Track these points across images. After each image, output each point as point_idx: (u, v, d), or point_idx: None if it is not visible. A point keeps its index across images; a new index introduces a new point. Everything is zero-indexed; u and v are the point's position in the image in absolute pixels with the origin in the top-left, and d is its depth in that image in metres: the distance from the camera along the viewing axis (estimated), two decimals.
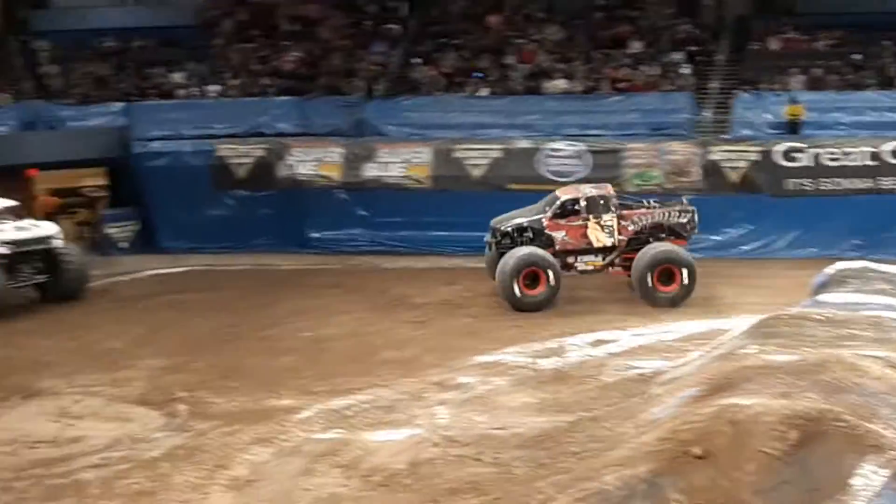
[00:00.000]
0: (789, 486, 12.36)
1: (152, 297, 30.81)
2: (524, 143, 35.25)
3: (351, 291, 30.22)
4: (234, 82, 41.27)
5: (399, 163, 35.82)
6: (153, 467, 17.80)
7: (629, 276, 28.34)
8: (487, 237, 29.10)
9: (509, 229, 28.45)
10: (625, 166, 34.32)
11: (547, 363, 22.58)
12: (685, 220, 28.98)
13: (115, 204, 39.33)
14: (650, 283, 27.49)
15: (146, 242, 37.56)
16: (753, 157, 33.91)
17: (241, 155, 37.24)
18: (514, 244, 28.11)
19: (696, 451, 13.98)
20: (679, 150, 34.26)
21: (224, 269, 33.98)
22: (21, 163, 37.18)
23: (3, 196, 31.77)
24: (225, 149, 37.42)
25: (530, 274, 27.32)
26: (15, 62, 42.84)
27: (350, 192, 35.89)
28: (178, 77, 41.86)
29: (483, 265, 30.07)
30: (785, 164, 33.72)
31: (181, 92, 41.20)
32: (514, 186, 34.52)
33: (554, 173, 34.46)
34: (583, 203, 28.45)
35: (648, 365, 21.59)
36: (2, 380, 23.00)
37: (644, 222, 28.76)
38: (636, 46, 39.20)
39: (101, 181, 40.38)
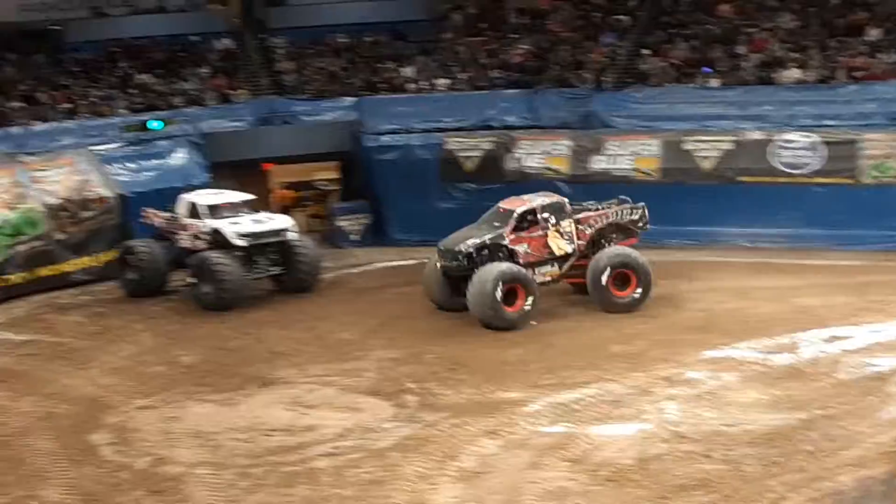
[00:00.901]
0: None
1: (383, 289, 31.31)
2: (756, 135, 34.44)
3: None
4: (463, 76, 41.58)
5: (627, 155, 35.51)
6: (383, 457, 18.16)
7: (582, 282, 27.58)
8: (438, 261, 27.62)
9: (472, 250, 26.74)
10: (861, 157, 33.21)
11: (779, 359, 22.21)
12: (637, 217, 28.48)
13: (347, 197, 40.09)
14: (606, 288, 26.87)
15: (377, 235, 38.15)
16: None
17: (470, 148, 37.51)
18: (474, 265, 26.58)
19: None
20: None
21: None
22: (257, 157, 38.30)
23: (240, 189, 32.79)
24: (453, 142, 37.74)
25: (510, 290, 26.11)
26: (253, 59, 44.07)
27: (577, 184, 35.68)
28: (408, 71, 42.41)
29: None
30: None
31: (411, 86, 41.71)
32: (744, 179, 33.87)
33: (787, 165, 33.65)
34: (540, 212, 27.44)
35: (886, 363, 21.09)
36: (239, 369, 23.79)
37: (600, 224, 28.04)
38: (874, 34, 37.90)
39: (334, 174, 41.23)
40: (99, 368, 24.52)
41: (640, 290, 27.16)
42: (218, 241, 29.97)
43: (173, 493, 17.22)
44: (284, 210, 37.00)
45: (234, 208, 31.18)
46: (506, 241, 26.95)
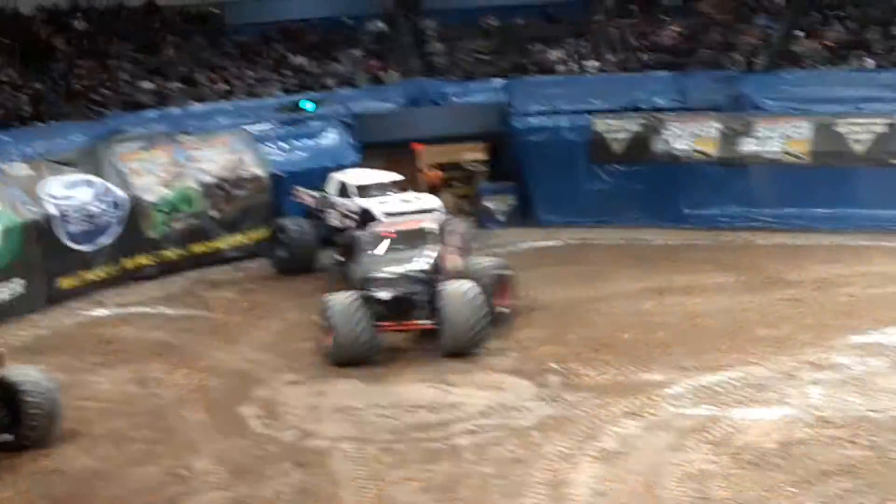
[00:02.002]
0: None
1: (530, 269, 31.13)
2: None
3: (724, 268, 29.90)
4: (613, 57, 41.44)
5: (777, 138, 35.03)
6: (525, 436, 18.36)
7: None
8: (384, 295, 23.61)
9: (428, 269, 24.08)
10: None
11: None
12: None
13: (494, 178, 40.27)
14: (491, 300, 24.32)
15: (523, 215, 38.12)
16: None
17: (618, 130, 37.37)
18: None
19: None
20: None
21: (598, 243, 34.14)
22: (407, 137, 38.68)
23: (389, 169, 33.26)
24: (602, 123, 37.65)
25: None
26: (404, 41, 44.44)
27: (726, 167, 35.40)
28: (557, 53, 42.36)
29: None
30: None
31: (560, 68, 41.66)
32: None
33: None
34: (445, 227, 26.21)
35: None
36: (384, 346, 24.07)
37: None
38: None
39: (482, 155, 41.45)
40: (248, 344, 25.14)
41: (514, 296, 26.10)
42: (366, 219, 30.39)
43: (318, 466, 17.65)
44: (432, 190, 37.34)
45: (382, 188, 31.67)
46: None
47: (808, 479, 15.93)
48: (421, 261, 24.25)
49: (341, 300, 23.27)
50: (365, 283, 23.83)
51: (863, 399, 19.06)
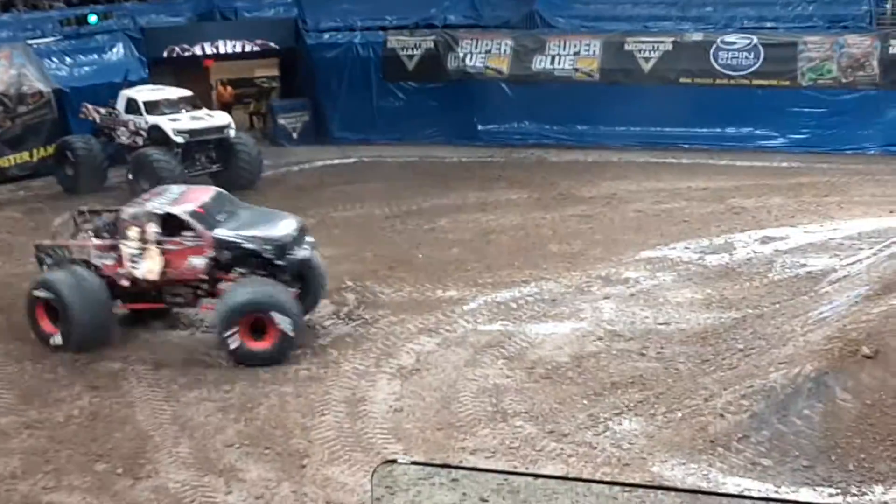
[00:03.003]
0: None
1: (323, 187, 31.22)
2: (696, 36, 34.57)
3: (518, 184, 30.26)
4: None
5: (569, 56, 35.49)
6: (322, 354, 18.30)
7: None
8: (304, 253, 19.49)
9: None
10: (799, 60, 33.44)
11: (714, 259, 22.51)
12: None
13: (287, 94, 39.84)
14: None
15: (316, 133, 37.89)
16: None
17: (411, 47, 37.31)
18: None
19: (866, 350, 13.88)
20: (857, 44, 33.22)
21: (392, 161, 34.19)
22: (198, 53, 37.88)
23: (180, 86, 32.52)
24: (395, 40, 37.53)
25: None
26: None
27: (519, 84, 35.70)
28: None
29: None
30: None
31: None
32: (685, 80, 33.99)
33: (726, 67, 33.80)
34: None
35: (818, 263, 21.41)
36: None
37: None
38: None
39: (274, 72, 40.91)
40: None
41: None
42: (157, 137, 29.76)
43: (112, 388, 17.29)
44: (224, 107, 36.75)
45: (172, 105, 30.95)
46: None
47: (599, 391, 16.29)
48: (286, 220, 20.00)
49: (277, 289, 18.55)
50: (276, 251, 18.85)
51: (651, 312, 19.55)
